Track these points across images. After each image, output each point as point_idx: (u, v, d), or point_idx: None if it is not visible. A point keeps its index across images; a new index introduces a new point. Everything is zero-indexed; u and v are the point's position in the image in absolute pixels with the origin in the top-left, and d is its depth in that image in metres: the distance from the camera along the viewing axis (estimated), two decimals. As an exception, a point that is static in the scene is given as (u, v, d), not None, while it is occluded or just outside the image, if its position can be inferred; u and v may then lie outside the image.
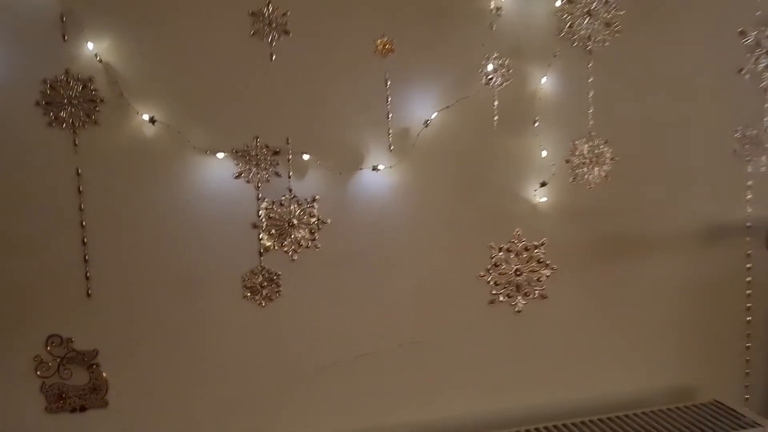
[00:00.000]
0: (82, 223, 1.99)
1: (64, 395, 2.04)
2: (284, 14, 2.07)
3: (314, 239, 2.16)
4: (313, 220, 2.16)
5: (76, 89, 1.96)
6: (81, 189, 1.98)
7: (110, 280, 2.03)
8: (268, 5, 2.06)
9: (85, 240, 2.00)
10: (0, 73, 1.90)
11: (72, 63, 1.95)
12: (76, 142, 1.97)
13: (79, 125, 1.97)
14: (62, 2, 1.92)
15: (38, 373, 2.01)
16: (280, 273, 2.14)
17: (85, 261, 2.01)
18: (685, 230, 2.50)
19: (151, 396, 2.10)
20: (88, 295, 2.02)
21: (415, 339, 2.29)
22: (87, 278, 2.01)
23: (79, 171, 1.98)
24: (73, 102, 1.96)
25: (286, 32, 2.08)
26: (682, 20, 2.40)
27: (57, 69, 1.94)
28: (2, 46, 1.90)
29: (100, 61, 1.96)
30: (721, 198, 2.53)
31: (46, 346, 2.01)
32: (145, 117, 1.99)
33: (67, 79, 1.95)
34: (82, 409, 2.06)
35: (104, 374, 2.06)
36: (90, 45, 1.94)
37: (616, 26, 2.32)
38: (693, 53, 2.43)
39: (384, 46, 2.15)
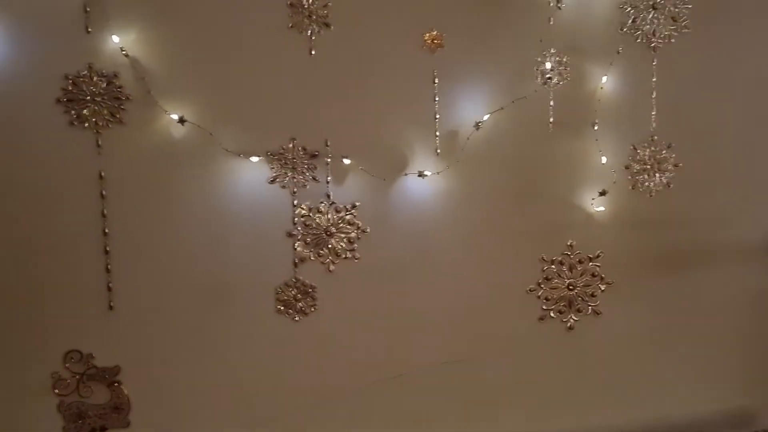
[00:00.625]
0: (104, 231, 1.91)
1: (83, 415, 1.97)
2: (325, 6, 1.96)
3: (353, 249, 2.06)
4: (352, 228, 2.04)
5: (100, 86, 1.85)
6: (104, 193, 1.89)
7: (134, 291, 1.95)
8: (309, -5, 1.93)
9: (108, 249, 1.91)
10: (18, 68, 1.81)
11: (96, 57, 1.85)
12: (99, 143, 1.88)
13: (102, 124, 1.87)
14: (86, -9, 1.81)
15: (56, 390, 1.94)
16: (315, 285, 2.04)
17: (108, 271, 1.92)
18: (751, 242, 2.38)
19: (177, 416, 2.02)
20: (110, 307, 1.94)
21: (459, 357, 2.20)
22: (109, 289, 1.93)
23: (102, 174, 1.89)
24: (96, 99, 1.85)
25: (327, 25, 1.96)
26: (755, 15, 2.27)
27: (79, 63, 1.84)
28: (21, 38, 1.80)
29: (126, 55, 1.85)
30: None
31: (65, 362, 1.94)
32: (174, 117, 1.89)
33: (90, 75, 1.84)
34: (103, 429, 1.98)
35: (126, 392, 1.98)
36: (115, 38, 1.84)
37: (683, 21, 2.18)
38: (767, 52, 2.29)
39: (432, 40, 2.04)
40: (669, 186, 2.24)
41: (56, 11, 1.81)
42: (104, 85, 1.85)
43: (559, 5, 2.07)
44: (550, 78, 2.09)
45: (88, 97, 1.84)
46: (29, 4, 1.79)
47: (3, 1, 1.77)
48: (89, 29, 1.82)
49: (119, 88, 1.86)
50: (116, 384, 1.96)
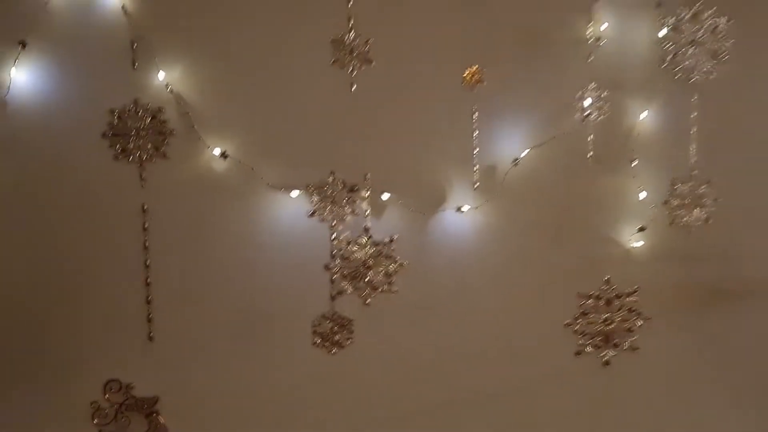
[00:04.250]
0: (146, 263, 1.95)
1: (121, 444, 1.99)
2: (367, 42, 1.97)
3: (390, 283, 2.04)
4: (389, 262, 2.04)
5: (145, 120, 1.90)
6: (146, 226, 1.94)
7: (174, 323, 1.98)
8: (350, 32, 1.95)
9: (149, 281, 1.95)
10: (66, 102, 1.88)
11: (141, 92, 1.90)
12: (143, 177, 1.93)
13: (146, 158, 1.92)
14: (133, 28, 1.87)
15: (95, 420, 1.96)
16: (352, 318, 2.04)
17: (148, 302, 1.96)
18: (791, 279, 2.36)
19: (213, 447, 2.04)
20: (150, 338, 1.98)
21: (495, 391, 2.20)
22: (149, 321, 1.97)
23: (145, 207, 1.94)
24: (141, 134, 1.90)
25: (369, 61, 1.97)
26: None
27: (125, 98, 1.90)
28: (69, 73, 1.87)
29: (171, 91, 1.90)
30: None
31: (105, 392, 1.96)
32: (216, 151, 1.94)
33: (135, 110, 1.90)
34: (140, 459, 2.00)
35: (163, 422, 1.99)
36: (161, 74, 1.89)
37: (723, 56, 2.16)
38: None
39: (472, 76, 2.06)
40: (708, 221, 2.22)
41: (104, 47, 1.87)
42: (149, 119, 1.89)
43: (599, 42, 2.08)
44: (589, 114, 2.10)
45: (133, 132, 1.89)
46: (78, 40, 1.86)
47: (53, 36, 1.84)
48: (136, 65, 1.88)
49: (163, 122, 1.91)
50: (154, 414, 1.98)
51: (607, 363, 2.22)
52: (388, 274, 2.04)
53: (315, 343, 2.03)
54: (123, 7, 1.85)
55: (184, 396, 1.99)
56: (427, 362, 2.13)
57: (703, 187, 2.20)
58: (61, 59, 1.86)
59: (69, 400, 1.95)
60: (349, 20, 1.95)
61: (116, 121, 1.88)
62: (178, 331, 1.98)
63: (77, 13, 1.85)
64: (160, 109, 1.90)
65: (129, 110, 1.88)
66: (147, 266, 1.93)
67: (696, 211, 2.21)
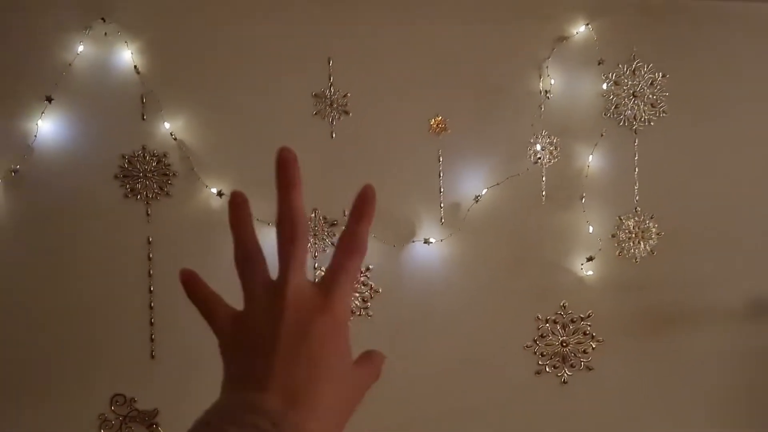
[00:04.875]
0: (150, 288, 2.12)
1: (125, 453, 2.13)
2: (345, 96, 2.20)
3: (367, 307, 2.24)
4: (366, 289, 2.24)
5: (151, 164, 2.11)
6: (151, 256, 2.12)
7: (174, 342, 2.13)
8: (330, 87, 2.19)
9: (152, 304, 2.12)
10: (84, 147, 2.08)
11: (149, 140, 2.11)
12: (149, 213, 2.12)
13: (152, 197, 2.11)
14: (143, 85, 2.09)
15: (102, 430, 2.10)
16: None
17: (151, 324, 2.12)
18: (732, 305, 2.50)
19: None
20: (152, 356, 2.13)
21: (461, 409, 2.32)
22: (152, 340, 2.12)
23: (150, 239, 2.12)
24: (147, 175, 2.11)
25: (346, 112, 2.21)
26: (727, 100, 2.47)
27: (135, 145, 2.10)
28: (87, 123, 2.08)
29: (175, 138, 2.11)
30: (767, 272, 2.53)
31: (111, 405, 2.11)
32: (213, 190, 2.13)
33: (143, 154, 2.10)
34: (142, 467, 2.14)
35: None
36: (166, 124, 2.10)
37: (661, 107, 2.40)
38: (738, 132, 2.48)
39: (438, 125, 2.26)
40: (653, 253, 2.41)
41: (118, 101, 2.08)
42: (155, 163, 2.10)
43: (548, 95, 2.30)
44: (540, 158, 2.31)
45: (141, 174, 2.09)
46: (96, 95, 2.07)
47: (75, 92, 2.05)
48: (144, 116, 2.09)
49: (168, 165, 2.11)
50: (154, 425, 2.13)
51: (564, 382, 2.40)
52: (364, 300, 2.25)
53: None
54: (135, 67, 2.07)
55: (182, 409, 2.09)
56: (399, 382, 2.21)
57: (647, 221, 2.41)
58: (81, 111, 2.05)
59: (79, 412, 2.07)
60: (329, 77, 2.19)
61: (126, 164, 2.08)
62: (178, 351, 2.11)
63: (96, 72, 2.06)
64: (164, 154, 2.10)
65: (138, 155, 2.09)
66: (151, 291, 2.10)
67: (641, 244, 2.41)
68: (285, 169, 0.59)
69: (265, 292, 0.58)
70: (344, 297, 0.58)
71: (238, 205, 0.60)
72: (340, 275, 0.58)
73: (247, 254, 0.60)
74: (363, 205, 0.61)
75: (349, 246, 0.59)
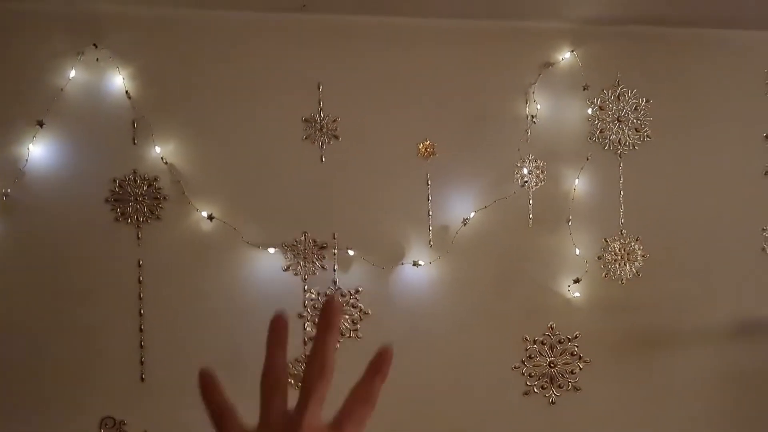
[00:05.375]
0: (140, 312, 2.13)
1: (113, 477, 2.13)
2: (334, 121, 2.23)
3: (356, 329, 2.26)
4: (355, 311, 2.26)
5: (142, 188, 2.13)
6: (141, 279, 2.13)
7: (163, 365, 2.14)
8: (320, 112, 2.22)
9: (142, 327, 2.13)
10: (76, 173, 2.10)
11: (140, 164, 2.13)
12: (140, 236, 2.13)
13: (143, 220, 2.13)
14: (135, 110, 2.11)
15: None
16: None
17: (141, 347, 2.13)
18: (716, 325, 2.53)
19: (197, 479, 2.16)
20: (142, 379, 2.13)
21: (450, 428, 2.33)
22: (142, 363, 2.14)
23: (141, 262, 2.13)
24: (138, 199, 2.13)
25: (336, 137, 2.24)
26: (709, 125, 2.51)
27: (126, 169, 2.13)
28: (79, 147, 2.10)
29: (166, 162, 2.13)
30: (750, 294, 2.56)
31: (101, 428, 2.12)
32: (204, 214, 2.15)
33: (134, 178, 2.13)
34: (130, 490, 2.13)
35: None
36: (157, 148, 2.13)
37: (645, 131, 2.44)
38: (720, 156, 2.52)
39: (426, 149, 2.29)
40: (639, 275, 2.44)
41: (109, 126, 2.11)
42: (146, 187, 2.12)
43: (534, 119, 2.34)
44: (527, 181, 2.35)
45: (132, 198, 2.11)
46: (88, 120, 2.09)
47: (66, 117, 2.07)
48: (135, 141, 2.12)
49: (158, 189, 2.13)
50: None
51: (552, 402, 2.42)
52: (354, 322, 2.26)
53: (288, 383, 2.22)
54: (126, 92, 2.09)
55: (170, 430, 2.12)
56: (389, 402, 2.26)
57: (632, 244, 2.44)
58: (73, 136, 2.08)
59: None
60: (319, 102, 2.23)
61: (117, 188, 2.10)
62: (168, 374, 2.12)
63: (88, 98, 2.09)
64: (155, 178, 2.12)
65: (129, 179, 2.11)
66: (141, 314, 2.12)
67: (627, 266, 2.44)
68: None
69: (282, 420, 0.61)
70: None
71: (278, 331, 0.64)
72: (352, 423, 0.61)
73: (275, 380, 0.64)
74: (381, 363, 0.65)
75: (363, 397, 0.63)
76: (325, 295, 2.23)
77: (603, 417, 2.46)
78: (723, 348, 2.54)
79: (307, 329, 2.23)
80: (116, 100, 2.11)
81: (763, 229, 2.56)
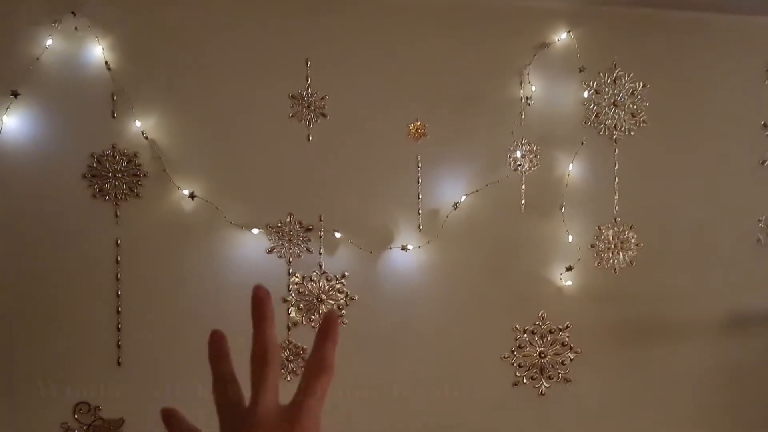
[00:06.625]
0: (117, 293, 2.06)
1: (87, 464, 2.06)
2: (322, 98, 2.17)
3: (342, 315, 2.19)
4: (341, 296, 2.20)
5: (121, 163, 2.05)
6: (119, 259, 2.06)
7: (141, 350, 2.07)
8: (308, 89, 2.16)
9: (120, 309, 2.06)
10: (51, 146, 2.02)
11: (119, 138, 2.06)
12: (118, 214, 2.06)
13: (121, 198, 2.06)
14: (114, 82, 2.03)
15: None
16: (306, 348, 2.15)
17: (118, 330, 2.06)
18: (709, 317, 2.50)
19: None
20: (119, 363, 2.06)
21: (438, 419, 2.28)
22: (119, 347, 2.06)
23: (119, 242, 2.06)
24: (117, 175, 2.05)
25: (324, 115, 2.17)
26: (706, 112, 2.47)
27: (104, 144, 2.05)
28: (55, 120, 2.02)
29: (146, 137, 2.06)
30: (745, 286, 2.53)
31: (74, 413, 2.04)
32: (185, 192, 2.08)
33: (113, 154, 2.05)
34: (104, 478, 2.06)
35: None
36: (138, 122, 2.05)
37: (641, 116, 2.39)
38: (717, 144, 2.48)
39: (416, 130, 2.23)
40: (632, 264, 2.40)
41: (87, 98, 2.03)
42: (125, 163, 2.05)
43: (528, 102, 2.29)
44: (520, 165, 2.29)
45: (110, 174, 2.04)
46: (65, 92, 2.01)
47: (42, 87, 1.99)
48: (115, 114, 2.04)
49: (138, 165, 2.06)
50: None
51: (542, 394, 2.37)
52: (340, 308, 2.20)
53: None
54: (106, 63, 2.02)
55: (148, 419, 2.02)
56: (375, 390, 2.20)
57: (626, 232, 2.40)
58: (49, 108, 1.99)
59: (41, 420, 2.00)
60: (306, 79, 2.16)
61: (95, 163, 2.02)
62: (145, 358, 2.06)
63: (65, 68, 2.00)
64: (135, 154, 2.05)
65: (107, 154, 2.03)
66: (118, 296, 2.04)
67: (620, 254, 2.40)
68: (259, 305, 0.65)
69: (239, 414, 0.64)
70: (311, 419, 0.61)
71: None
72: (308, 398, 0.62)
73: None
74: (328, 327, 0.64)
75: (316, 368, 0.63)
76: (310, 279, 2.17)
77: (593, 409, 2.42)
78: (716, 339, 2.50)
79: (291, 314, 2.16)
80: (95, 72, 2.03)
81: (759, 220, 2.52)
